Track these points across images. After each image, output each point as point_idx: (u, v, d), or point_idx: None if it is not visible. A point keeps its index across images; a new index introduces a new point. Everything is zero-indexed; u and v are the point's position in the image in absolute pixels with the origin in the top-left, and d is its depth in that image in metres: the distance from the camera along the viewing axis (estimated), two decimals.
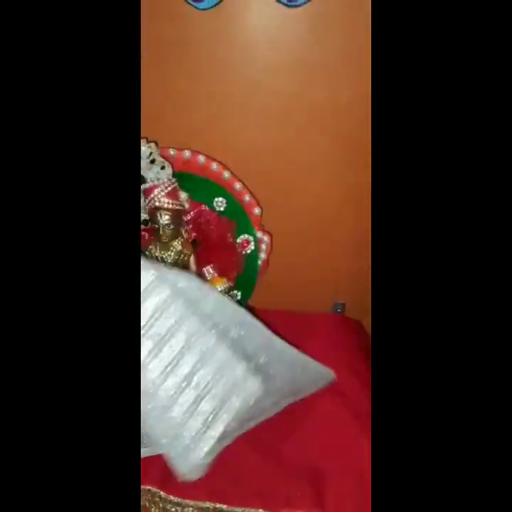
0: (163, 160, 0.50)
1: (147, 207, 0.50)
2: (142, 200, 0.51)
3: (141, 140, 0.49)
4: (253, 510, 0.44)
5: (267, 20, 0.54)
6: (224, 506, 0.43)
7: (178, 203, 0.51)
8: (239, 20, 0.54)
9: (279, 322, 0.63)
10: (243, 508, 0.44)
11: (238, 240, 0.56)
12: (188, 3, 0.53)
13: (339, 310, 0.73)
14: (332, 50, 0.54)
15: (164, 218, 0.50)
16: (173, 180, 0.50)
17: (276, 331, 0.62)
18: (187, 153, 0.55)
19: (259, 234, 0.57)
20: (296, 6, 0.52)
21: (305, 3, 0.51)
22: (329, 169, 0.61)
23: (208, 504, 0.43)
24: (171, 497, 0.44)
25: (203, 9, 0.53)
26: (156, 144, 0.50)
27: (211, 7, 0.53)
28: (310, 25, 0.53)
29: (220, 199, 0.56)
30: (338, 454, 0.48)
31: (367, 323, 0.70)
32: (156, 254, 0.52)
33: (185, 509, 0.43)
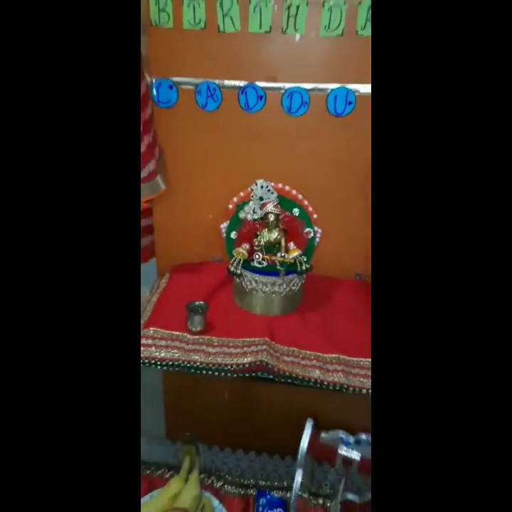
0: (273, 188, 1.03)
1: (263, 211, 1.03)
2: (260, 207, 1.04)
3: (265, 180, 1.03)
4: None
5: None
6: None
7: (278, 210, 1.04)
8: None
9: (321, 284, 1.15)
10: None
11: (305, 231, 1.08)
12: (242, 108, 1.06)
13: (358, 277, 1.24)
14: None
15: (272, 218, 1.02)
16: (277, 199, 1.03)
17: (322, 293, 1.14)
18: (280, 185, 1.08)
19: (315, 228, 1.09)
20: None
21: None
22: (353, 193, 1.13)
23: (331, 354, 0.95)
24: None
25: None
26: (270, 181, 1.03)
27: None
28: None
29: (296, 209, 1.08)
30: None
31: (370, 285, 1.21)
32: (265, 234, 1.05)
33: (301, 355, 0.94)
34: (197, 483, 0.96)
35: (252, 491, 0.99)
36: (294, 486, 0.75)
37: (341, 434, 0.74)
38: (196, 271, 1.21)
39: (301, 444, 0.73)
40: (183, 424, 1.24)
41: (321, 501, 0.98)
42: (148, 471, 1.03)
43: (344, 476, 0.78)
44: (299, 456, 0.73)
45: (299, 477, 0.75)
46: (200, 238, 1.23)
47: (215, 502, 0.95)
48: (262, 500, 0.94)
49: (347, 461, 0.74)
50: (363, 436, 0.72)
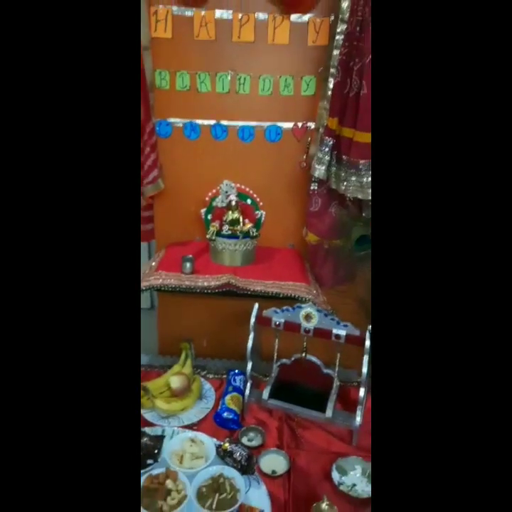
0: (234, 186, 1.65)
1: (227, 200, 1.65)
2: (226, 198, 1.65)
3: (229, 180, 1.65)
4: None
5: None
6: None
7: (237, 199, 1.66)
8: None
9: (266, 251, 1.77)
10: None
11: (255, 213, 1.70)
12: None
13: (291, 246, 1.86)
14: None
15: (233, 204, 1.64)
16: (236, 192, 1.65)
17: (267, 255, 1.75)
18: (238, 184, 1.70)
19: (262, 211, 1.71)
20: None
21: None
22: (284, 190, 1.76)
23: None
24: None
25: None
26: (234, 182, 1.65)
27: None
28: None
29: (249, 199, 1.70)
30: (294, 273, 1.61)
31: (303, 252, 1.83)
32: (230, 215, 1.65)
33: (253, 282, 1.53)
34: (191, 367, 1.51)
35: (224, 377, 1.55)
36: (248, 344, 1.33)
37: (274, 309, 1.34)
38: (184, 245, 1.80)
39: (252, 314, 1.32)
40: (172, 342, 1.76)
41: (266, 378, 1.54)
42: (156, 369, 1.58)
43: (278, 337, 1.37)
44: (251, 322, 1.32)
45: (251, 338, 1.34)
46: (185, 224, 1.83)
47: (202, 379, 1.51)
48: (231, 373, 1.50)
49: (277, 324, 1.33)
50: (285, 307, 1.32)
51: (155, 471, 1.08)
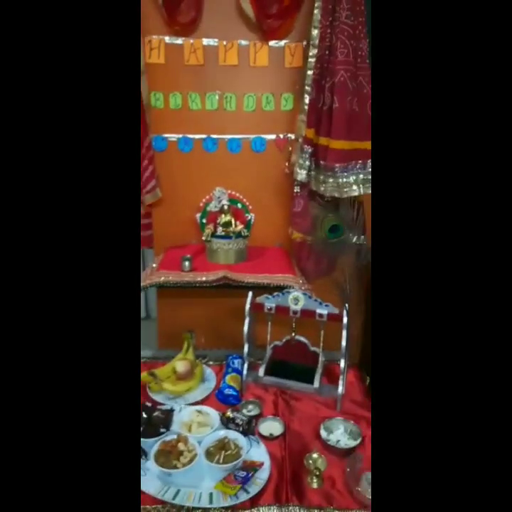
0: (225, 192, 1.84)
1: (220, 205, 1.84)
2: (219, 203, 1.84)
3: (221, 187, 1.84)
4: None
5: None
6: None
7: (229, 203, 1.85)
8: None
9: (257, 250, 1.96)
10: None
11: (245, 216, 1.90)
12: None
13: (279, 245, 2.05)
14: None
15: (226, 208, 1.83)
16: (228, 197, 1.85)
17: (257, 254, 1.94)
18: (229, 191, 1.89)
19: (251, 214, 1.90)
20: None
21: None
22: (271, 194, 1.96)
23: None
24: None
25: None
26: (225, 189, 1.84)
27: None
28: None
29: (239, 204, 1.90)
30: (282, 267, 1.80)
31: (289, 250, 2.02)
32: (223, 217, 1.84)
33: (246, 276, 1.72)
34: (193, 355, 1.68)
35: (224, 363, 1.72)
36: (244, 328, 1.51)
37: (266, 296, 1.52)
38: (182, 248, 1.99)
39: (247, 301, 1.50)
40: (171, 337, 1.93)
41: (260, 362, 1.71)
42: (160, 360, 1.74)
43: (270, 321, 1.55)
44: (247, 308, 1.50)
45: (246, 323, 1.52)
46: (182, 228, 2.01)
47: (203, 365, 1.68)
48: (230, 357, 1.68)
49: (269, 308, 1.51)
50: (276, 293, 1.50)
51: (167, 438, 1.25)
